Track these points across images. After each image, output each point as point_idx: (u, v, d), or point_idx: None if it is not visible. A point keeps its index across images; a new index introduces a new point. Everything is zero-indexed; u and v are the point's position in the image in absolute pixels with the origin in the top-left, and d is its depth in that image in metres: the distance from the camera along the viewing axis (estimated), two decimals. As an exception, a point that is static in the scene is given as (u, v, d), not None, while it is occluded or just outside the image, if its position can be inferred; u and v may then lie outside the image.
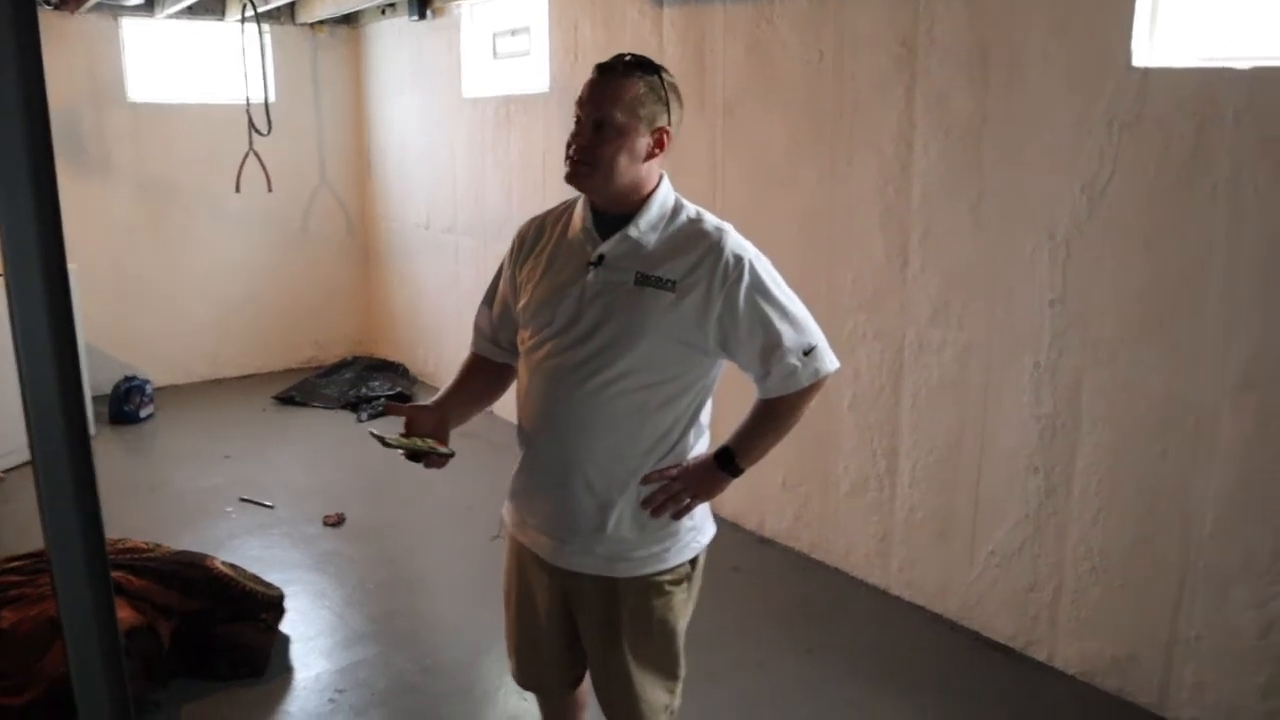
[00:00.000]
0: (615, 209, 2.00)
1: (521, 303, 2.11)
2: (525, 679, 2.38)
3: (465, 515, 4.81)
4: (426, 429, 2.09)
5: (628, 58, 1.95)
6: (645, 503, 2.02)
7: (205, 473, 5.43)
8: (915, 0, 3.57)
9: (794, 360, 1.98)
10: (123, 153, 6.77)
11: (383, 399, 6.52)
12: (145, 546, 3.66)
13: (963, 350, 3.59)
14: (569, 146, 1.98)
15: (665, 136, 1.96)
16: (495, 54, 6.22)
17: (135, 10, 6.59)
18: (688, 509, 2.05)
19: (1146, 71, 2.96)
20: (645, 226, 1.97)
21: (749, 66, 4.25)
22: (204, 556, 3.63)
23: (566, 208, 2.13)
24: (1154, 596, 3.12)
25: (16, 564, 3.64)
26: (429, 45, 6.65)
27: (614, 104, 1.91)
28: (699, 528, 2.12)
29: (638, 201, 1.99)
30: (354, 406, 6.51)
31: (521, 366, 2.13)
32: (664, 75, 1.97)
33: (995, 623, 3.61)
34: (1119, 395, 3.14)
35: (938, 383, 3.69)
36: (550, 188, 5.52)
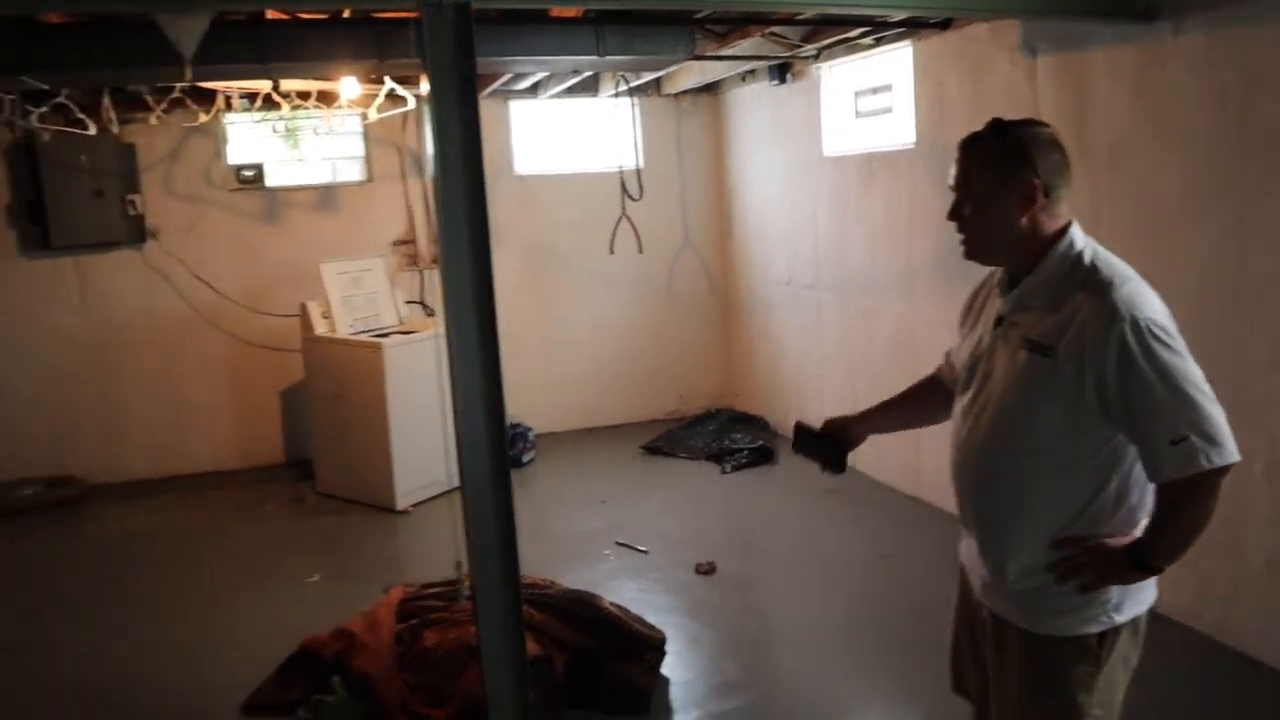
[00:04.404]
0: (1019, 268, 2.01)
1: (958, 361, 2.21)
2: (954, 682, 2.37)
3: (832, 570, 4.85)
4: (838, 428, 2.40)
5: (982, 128, 1.99)
6: (1050, 566, 1.96)
7: (583, 516, 5.82)
8: (1340, 29, 3.26)
9: (1161, 446, 1.81)
10: (510, 222, 7.47)
11: (747, 454, 6.71)
12: (543, 583, 3.98)
13: (1405, 414, 3.19)
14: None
15: (1034, 189, 1.94)
16: (857, 112, 6.30)
17: (522, 94, 7.30)
18: (1091, 587, 1.95)
19: None
20: (1036, 284, 1.97)
21: (1135, 113, 4.04)
22: (595, 596, 3.90)
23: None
24: None
25: (435, 590, 4.09)
26: (789, 107, 6.84)
27: (971, 179, 1.98)
28: (1113, 603, 1.98)
29: (1038, 255, 1.97)
30: (717, 458, 6.73)
31: None
32: (1020, 130, 1.97)
33: None
34: None
35: (1373, 450, 3.29)
36: (916, 244, 5.49)
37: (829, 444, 2.38)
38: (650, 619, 4.02)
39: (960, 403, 2.12)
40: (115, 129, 6.13)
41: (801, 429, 2.41)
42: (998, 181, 1.95)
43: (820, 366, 6.56)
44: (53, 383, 6.79)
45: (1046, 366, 1.89)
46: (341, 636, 3.83)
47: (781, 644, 4.23)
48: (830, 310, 6.44)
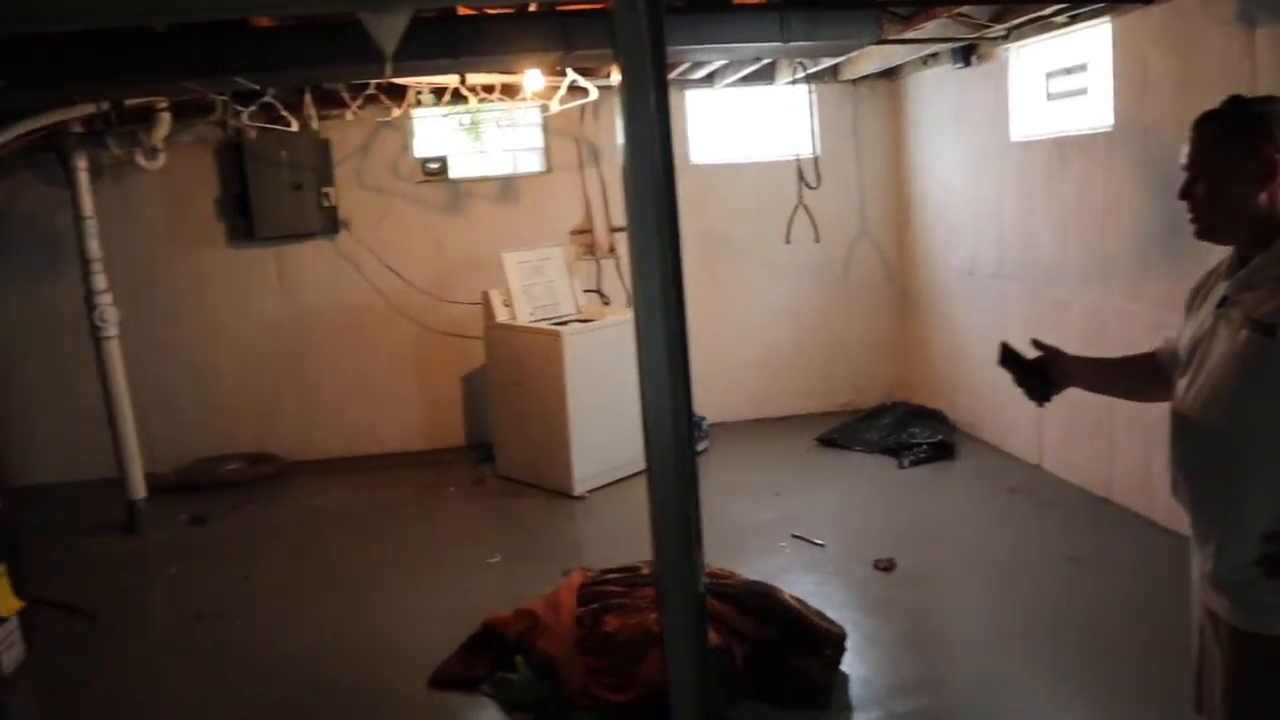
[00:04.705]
0: (1252, 248, 1.94)
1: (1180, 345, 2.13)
2: (1196, 701, 2.24)
3: (1016, 572, 4.68)
4: (1049, 360, 2.29)
5: (1219, 105, 1.95)
6: (1259, 561, 1.86)
7: (757, 507, 5.79)
8: None
9: None
10: (686, 211, 7.29)
11: (926, 448, 6.56)
12: (722, 573, 3.98)
13: None
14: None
15: (1276, 165, 1.87)
16: (1048, 94, 6.03)
17: (697, 83, 7.29)
18: None
19: None
20: (1267, 262, 1.90)
21: (1375, 87, 3.72)
22: (774, 588, 3.88)
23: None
24: None
25: (614, 575, 4.15)
26: (973, 90, 6.60)
27: (1206, 157, 1.94)
28: None
29: (1273, 234, 1.90)
30: (895, 452, 6.57)
31: None
32: (1260, 106, 1.92)
33: None
34: None
35: None
36: (1112, 231, 5.21)
37: (1038, 374, 2.31)
38: (828, 614, 3.96)
39: (1179, 385, 2.05)
40: (314, 125, 6.44)
41: (1008, 349, 2.33)
42: (1235, 158, 1.89)
43: (1005, 359, 6.24)
44: (255, 365, 7.24)
45: (1267, 346, 1.82)
46: (524, 617, 3.94)
47: (963, 646, 4.11)
48: (1015, 300, 6.19)
